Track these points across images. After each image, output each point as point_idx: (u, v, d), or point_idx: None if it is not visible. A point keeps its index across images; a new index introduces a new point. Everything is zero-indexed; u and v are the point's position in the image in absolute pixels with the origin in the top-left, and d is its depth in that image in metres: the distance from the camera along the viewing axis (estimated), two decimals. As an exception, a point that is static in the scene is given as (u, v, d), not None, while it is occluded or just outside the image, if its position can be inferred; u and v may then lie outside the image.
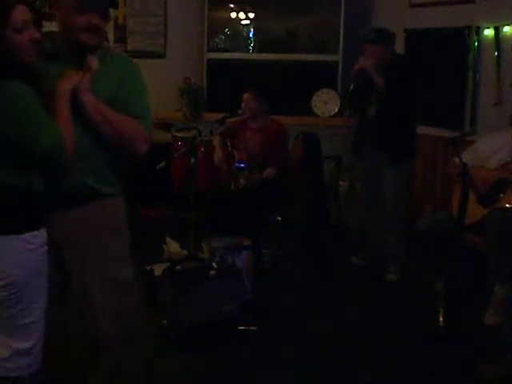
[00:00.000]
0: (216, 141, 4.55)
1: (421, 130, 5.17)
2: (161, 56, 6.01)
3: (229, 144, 4.51)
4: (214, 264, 3.48)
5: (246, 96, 4.46)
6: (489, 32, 4.69)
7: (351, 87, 4.18)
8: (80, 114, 2.05)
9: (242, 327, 3.37)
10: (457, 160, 3.56)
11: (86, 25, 2.05)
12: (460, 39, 4.86)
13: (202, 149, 4.66)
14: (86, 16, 2.04)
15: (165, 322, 3.34)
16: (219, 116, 4.26)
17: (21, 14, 1.88)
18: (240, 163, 4.37)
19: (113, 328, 2.26)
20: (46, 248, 2.04)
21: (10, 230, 1.93)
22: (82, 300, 2.22)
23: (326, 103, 5.74)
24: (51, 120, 1.94)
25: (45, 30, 2.64)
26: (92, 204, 2.20)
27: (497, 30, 4.61)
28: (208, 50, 5.85)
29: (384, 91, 3.97)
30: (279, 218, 4.45)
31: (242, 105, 4.43)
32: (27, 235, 1.95)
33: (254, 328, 3.38)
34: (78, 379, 2.35)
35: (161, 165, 3.92)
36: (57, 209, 2.11)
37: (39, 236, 2.00)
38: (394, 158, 4.09)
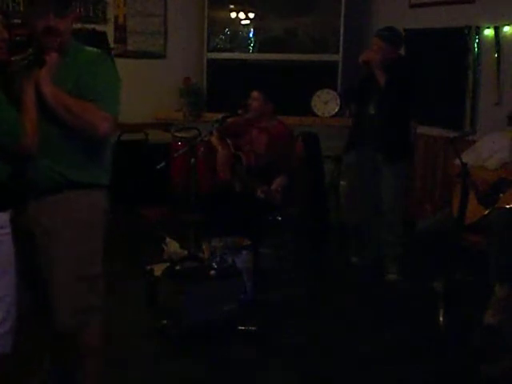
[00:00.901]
0: (214, 139, 4.51)
1: (421, 129, 5.20)
2: (161, 56, 6.00)
3: (230, 143, 4.49)
4: (213, 264, 3.48)
5: (253, 95, 4.42)
6: (489, 32, 4.69)
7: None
8: (44, 105, 2.20)
9: (242, 327, 3.37)
10: (457, 160, 3.56)
11: (44, 28, 2.21)
12: (460, 39, 4.85)
13: (202, 149, 4.66)
14: (42, 20, 2.21)
15: (165, 321, 3.34)
16: (219, 116, 4.25)
17: None
18: (248, 166, 4.32)
19: (71, 321, 2.34)
20: (7, 230, 2.14)
21: None
22: (45, 286, 2.31)
23: (325, 103, 5.73)
24: (13, 112, 2.11)
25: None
26: (64, 194, 2.28)
27: (497, 29, 4.61)
28: (208, 50, 5.85)
29: (384, 89, 3.97)
30: (279, 218, 4.44)
31: (249, 101, 4.39)
32: None
33: (253, 328, 3.39)
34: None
35: (161, 165, 3.92)
36: (31, 197, 2.26)
37: (0, 218, 2.12)
38: (392, 158, 4.10)
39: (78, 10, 5.35)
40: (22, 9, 4.47)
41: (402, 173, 4.21)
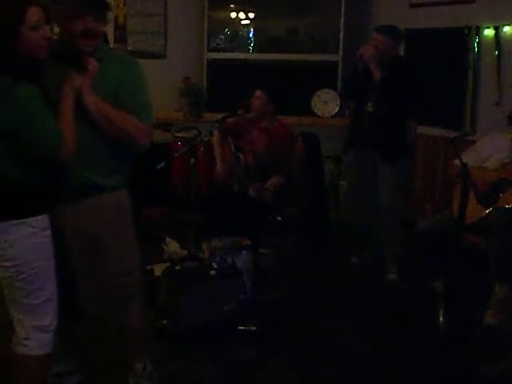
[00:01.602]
0: (215, 138, 4.50)
1: (421, 129, 5.20)
2: (161, 56, 6.00)
3: (231, 142, 4.48)
4: (214, 264, 3.48)
5: (256, 94, 4.42)
6: (489, 32, 4.68)
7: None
8: (84, 114, 2.21)
9: (241, 327, 3.37)
10: (457, 160, 3.56)
11: (82, 30, 2.17)
12: (460, 39, 4.85)
13: (202, 149, 4.66)
14: (80, 21, 2.16)
15: (165, 321, 3.34)
16: (219, 116, 4.25)
17: (35, 13, 2.02)
18: (246, 166, 4.33)
19: (117, 313, 2.51)
20: (48, 232, 2.20)
21: (13, 215, 2.11)
22: (83, 286, 2.41)
23: (325, 103, 5.73)
24: (55, 121, 2.11)
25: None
26: (94, 198, 2.35)
27: (497, 29, 4.61)
28: (208, 50, 5.84)
29: (379, 85, 3.97)
30: (279, 218, 4.44)
31: (253, 100, 4.39)
32: (30, 220, 2.13)
33: (253, 328, 3.39)
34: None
35: (161, 165, 3.92)
36: (65, 200, 2.30)
37: (41, 220, 2.17)
38: (390, 157, 4.10)
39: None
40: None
41: (400, 172, 4.21)
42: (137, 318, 2.62)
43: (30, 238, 2.13)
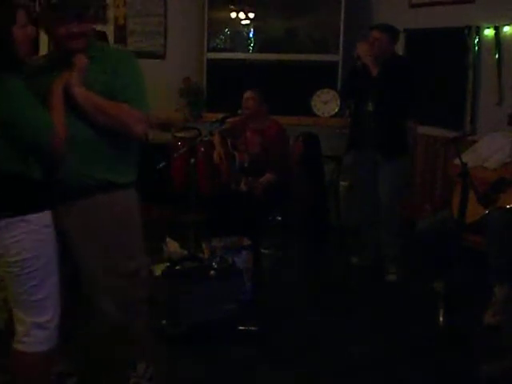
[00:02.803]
0: (216, 139, 4.54)
1: (421, 129, 5.20)
2: (161, 56, 6.01)
3: (229, 143, 4.51)
4: (214, 264, 3.48)
5: (247, 94, 4.43)
6: (489, 32, 4.68)
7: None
8: (75, 108, 2.22)
9: (242, 327, 3.37)
10: (457, 160, 3.56)
11: (67, 34, 2.22)
12: (460, 39, 4.85)
13: (202, 149, 4.66)
14: (64, 27, 2.21)
15: (165, 321, 3.33)
16: (219, 116, 4.26)
17: (23, 14, 2.14)
18: (241, 164, 4.35)
19: (120, 316, 2.40)
20: (50, 229, 2.21)
21: (13, 211, 2.12)
22: (88, 286, 2.39)
23: (325, 103, 5.73)
24: (45, 112, 2.15)
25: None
26: (100, 195, 2.32)
27: (497, 29, 4.61)
28: (208, 50, 5.85)
29: (377, 82, 3.97)
30: (279, 218, 4.45)
31: (243, 102, 4.41)
32: (30, 216, 2.14)
33: (253, 328, 3.38)
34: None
35: (161, 165, 3.92)
36: (66, 198, 2.29)
37: (42, 217, 2.18)
38: (389, 155, 4.10)
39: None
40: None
41: (400, 172, 4.21)
42: (142, 320, 2.57)
43: (32, 234, 2.14)
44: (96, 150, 2.29)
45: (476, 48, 4.77)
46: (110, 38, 5.58)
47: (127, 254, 2.41)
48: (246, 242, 3.80)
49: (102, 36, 5.15)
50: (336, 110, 5.71)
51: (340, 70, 5.71)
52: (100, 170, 2.31)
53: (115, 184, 2.35)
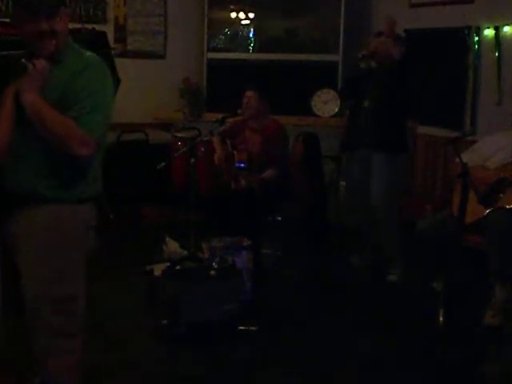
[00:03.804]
0: (216, 141, 4.54)
1: (421, 129, 5.20)
2: (161, 56, 6.00)
3: (229, 144, 4.51)
4: (214, 264, 3.48)
5: (248, 94, 4.43)
6: (489, 32, 4.69)
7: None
8: (24, 115, 2.06)
9: (241, 327, 3.37)
10: (457, 160, 3.55)
11: (37, 33, 2.05)
12: (460, 39, 4.85)
13: (202, 149, 4.65)
14: (33, 25, 2.04)
15: (165, 321, 3.33)
16: (219, 116, 4.26)
17: None
18: (240, 163, 4.35)
19: (39, 342, 2.18)
20: None
21: None
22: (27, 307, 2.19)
23: (325, 103, 5.74)
24: None
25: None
26: (37, 208, 2.13)
27: (497, 29, 4.61)
28: (208, 50, 5.85)
29: (378, 80, 3.98)
30: (279, 218, 4.44)
31: (243, 102, 4.41)
32: None
33: (253, 328, 3.38)
34: None
35: (161, 165, 3.92)
36: (7, 208, 2.16)
37: None
38: (386, 154, 4.09)
39: (73, 7, 5.39)
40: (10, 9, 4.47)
41: (397, 171, 4.19)
42: (65, 369, 2.22)
43: None
44: (42, 162, 2.11)
45: (476, 48, 4.77)
46: (110, 37, 5.57)
47: (58, 277, 2.16)
48: (246, 242, 3.80)
49: (102, 36, 5.14)
50: (336, 109, 5.71)
51: (340, 69, 5.72)
52: (44, 183, 2.12)
53: (59, 198, 2.14)
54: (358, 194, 4.45)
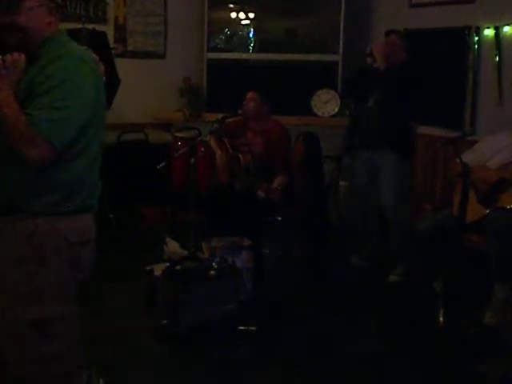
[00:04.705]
0: (213, 141, 4.52)
1: (421, 129, 5.18)
2: (161, 56, 6.01)
3: (227, 143, 4.49)
4: (214, 264, 3.48)
5: (250, 95, 4.42)
6: (489, 32, 4.68)
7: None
8: None
9: (242, 327, 3.37)
10: (458, 160, 3.56)
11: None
12: (460, 39, 4.85)
13: (202, 149, 4.66)
14: None
15: (165, 321, 3.33)
16: (219, 116, 4.26)
17: None
18: (246, 166, 4.33)
19: (25, 369, 2.02)
20: None
21: None
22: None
23: (325, 103, 5.74)
24: None
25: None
26: (10, 219, 1.98)
27: (497, 29, 4.61)
28: (208, 50, 5.85)
29: (384, 79, 3.99)
30: (279, 218, 4.44)
31: (244, 103, 4.40)
32: None
33: (253, 328, 3.38)
34: None
35: (161, 165, 3.92)
36: None
37: None
38: (393, 154, 4.08)
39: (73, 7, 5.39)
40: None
41: (404, 170, 4.19)
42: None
43: None
44: (11, 169, 1.95)
45: (476, 48, 4.77)
46: (110, 37, 5.57)
47: (36, 298, 1.98)
48: (246, 242, 3.80)
49: (102, 36, 5.15)
50: (336, 109, 5.71)
51: (340, 69, 5.72)
52: (14, 192, 1.97)
53: (31, 211, 1.97)
54: (360, 195, 4.44)
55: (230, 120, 4.38)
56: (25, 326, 1.98)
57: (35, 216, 1.97)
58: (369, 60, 4.09)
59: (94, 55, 2.17)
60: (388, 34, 4.21)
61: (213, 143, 4.50)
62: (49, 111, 1.87)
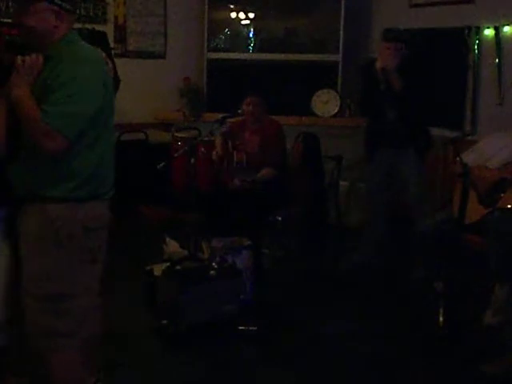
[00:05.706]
0: (218, 141, 4.54)
1: (421, 130, 5.19)
2: (161, 56, 6.01)
3: (230, 145, 4.51)
4: (214, 264, 3.48)
5: (249, 100, 4.42)
6: (489, 32, 4.69)
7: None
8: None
9: (241, 327, 3.37)
10: (458, 160, 3.56)
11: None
12: (460, 39, 4.86)
13: (202, 149, 4.66)
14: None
15: (165, 321, 3.33)
16: (219, 116, 4.26)
17: None
18: (238, 164, 4.35)
19: (36, 340, 2.23)
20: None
21: None
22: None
23: (325, 103, 5.74)
24: None
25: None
26: (31, 206, 2.20)
27: (497, 29, 4.61)
28: (208, 50, 5.85)
29: (402, 94, 3.95)
30: (279, 218, 4.44)
31: (244, 107, 4.41)
32: None
33: (253, 328, 3.38)
34: None
35: (161, 165, 3.92)
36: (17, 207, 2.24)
37: None
38: (421, 155, 4.10)
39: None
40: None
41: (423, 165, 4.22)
42: (65, 366, 2.25)
43: None
44: (32, 159, 2.16)
45: (476, 48, 4.77)
46: (110, 37, 5.57)
47: (47, 275, 2.19)
48: (246, 242, 3.80)
49: (102, 36, 5.15)
50: (336, 109, 5.71)
51: (340, 70, 5.72)
52: (34, 180, 2.18)
53: (49, 197, 2.17)
54: (378, 195, 4.39)
55: (232, 121, 4.40)
56: (40, 299, 2.19)
57: (55, 202, 2.17)
58: (381, 79, 4.03)
59: (103, 54, 2.29)
60: (386, 32, 4.16)
61: (218, 143, 4.51)
62: (60, 106, 2.07)
